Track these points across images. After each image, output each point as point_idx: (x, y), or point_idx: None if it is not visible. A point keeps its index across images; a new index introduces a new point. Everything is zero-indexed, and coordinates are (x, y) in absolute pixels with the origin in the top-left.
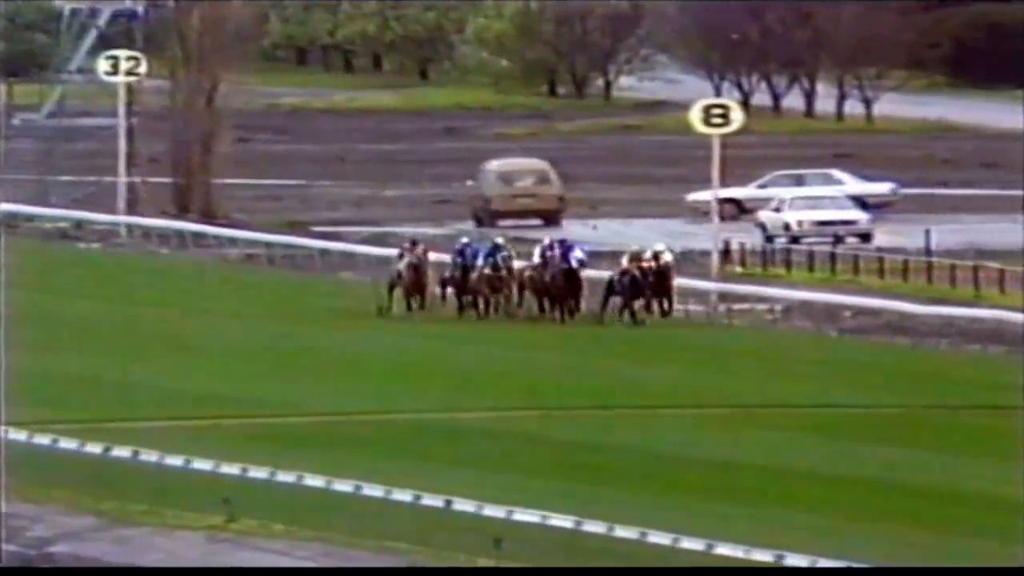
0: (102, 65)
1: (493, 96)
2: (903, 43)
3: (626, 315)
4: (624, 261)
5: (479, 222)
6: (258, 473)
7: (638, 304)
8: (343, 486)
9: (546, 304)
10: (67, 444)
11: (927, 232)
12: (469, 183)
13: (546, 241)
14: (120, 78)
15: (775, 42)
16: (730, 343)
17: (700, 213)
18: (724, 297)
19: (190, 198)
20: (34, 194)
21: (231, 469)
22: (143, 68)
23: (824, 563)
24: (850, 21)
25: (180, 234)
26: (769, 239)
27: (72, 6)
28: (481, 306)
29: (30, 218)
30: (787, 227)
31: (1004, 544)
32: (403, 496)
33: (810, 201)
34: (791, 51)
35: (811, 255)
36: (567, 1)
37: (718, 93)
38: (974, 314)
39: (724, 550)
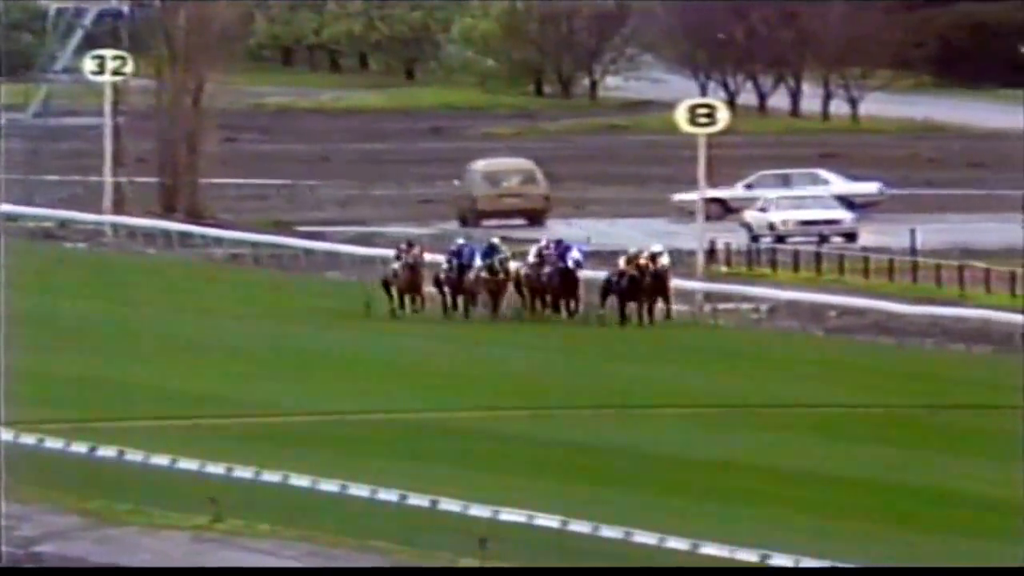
0: (88, 65)
1: (479, 96)
2: (889, 43)
3: (625, 315)
4: (621, 262)
5: (464, 222)
6: (244, 473)
7: (635, 305)
8: (329, 486)
9: (544, 304)
10: (53, 444)
11: (912, 232)
12: (455, 183)
13: (543, 241)
14: (106, 78)
15: (761, 42)
16: (716, 343)
17: (685, 213)
18: (710, 297)
19: (176, 198)
20: (20, 194)
21: (217, 469)
22: (129, 68)
23: (809, 563)
24: (836, 21)
25: (166, 234)
26: (755, 239)
27: (58, 5)
28: (478, 307)
29: (15, 218)
30: (772, 227)
31: (992, 543)
32: (389, 496)
33: (795, 201)
34: (777, 51)
35: (796, 255)
36: (553, 1)
37: (704, 93)
38: (959, 313)
39: (710, 550)
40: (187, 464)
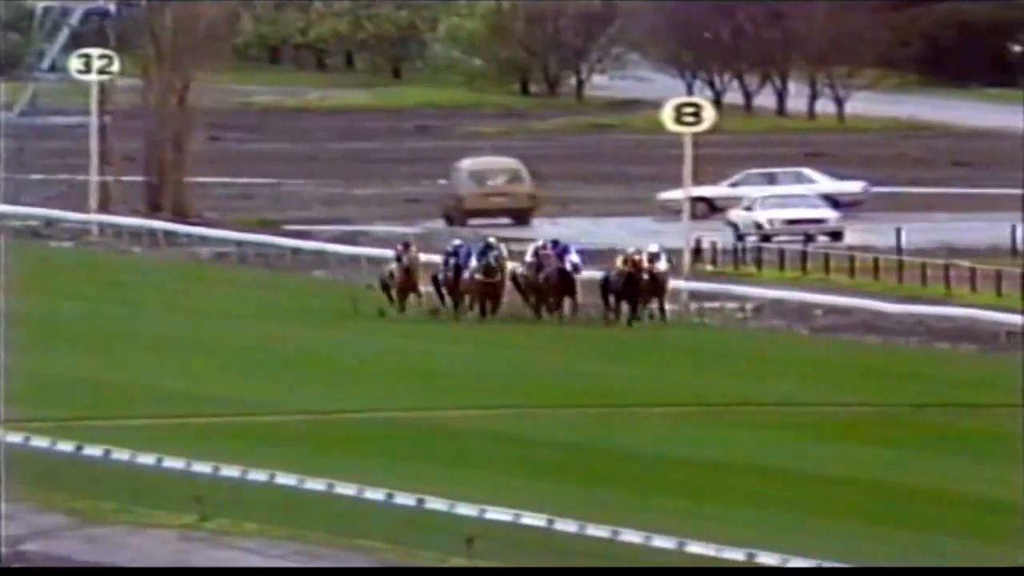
0: (74, 63)
1: (465, 95)
2: (875, 42)
3: (619, 314)
4: (618, 262)
5: (451, 221)
6: (230, 472)
7: (632, 305)
8: (315, 485)
9: (540, 304)
10: (38, 442)
11: (898, 230)
12: (441, 182)
13: (539, 241)
14: (92, 76)
15: (747, 41)
16: (701, 342)
17: (671, 211)
18: (695, 296)
19: (162, 196)
20: (6, 193)
21: (203, 468)
22: (115, 67)
23: (795, 562)
24: (822, 20)
25: (152, 233)
26: (740, 238)
27: (45, 5)
28: (476, 307)
29: (0, 216)
30: (758, 226)
31: (980, 542)
32: (375, 495)
33: (781, 200)
34: (763, 50)
35: (782, 254)
36: (539, 0)
37: (690, 92)
38: (945, 312)
39: (696, 548)
40: (173, 463)
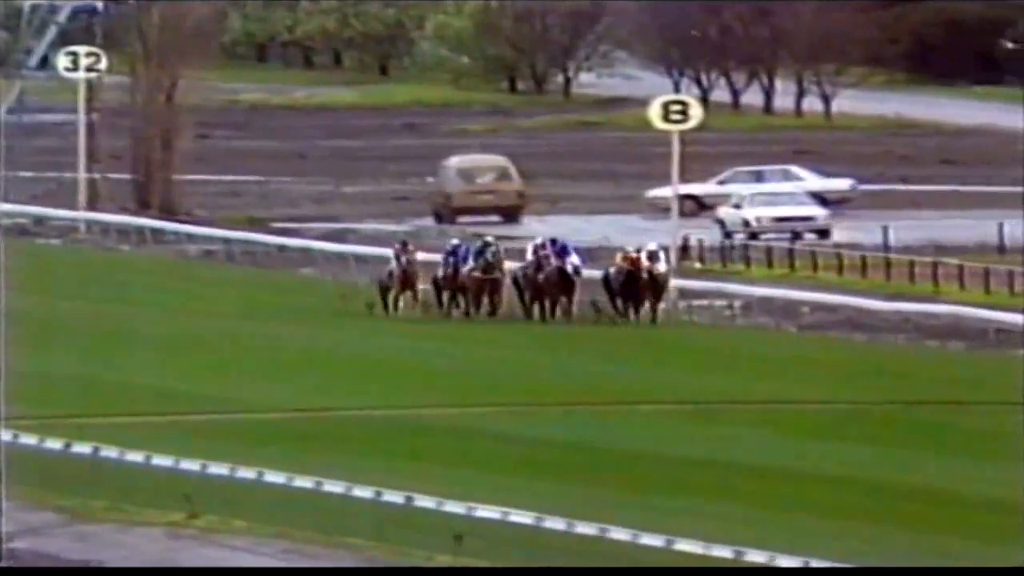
0: (62, 61)
1: (453, 93)
2: (862, 39)
3: (630, 313)
4: (618, 259)
5: (439, 218)
6: (219, 469)
7: (634, 303)
8: (304, 482)
9: (536, 303)
10: (27, 440)
11: (885, 228)
12: (429, 179)
13: (538, 240)
14: (80, 74)
15: (734, 39)
16: (689, 339)
17: (659, 209)
18: (683, 293)
19: (150, 194)
20: None
21: (192, 465)
22: (103, 64)
23: (783, 560)
24: (809, 18)
25: (140, 230)
26: (728, 235)
27: (32, 2)
28: (472, 306)
29: None
30: (746, 223)
31: (964, 540)
32: (364, 492)
33: (769, 197)
34: (750, 48)
35: (769, 251)
36: None
37: (677, 89)
38: (932, 310)
39: (684, 546)
40: (162, 461)
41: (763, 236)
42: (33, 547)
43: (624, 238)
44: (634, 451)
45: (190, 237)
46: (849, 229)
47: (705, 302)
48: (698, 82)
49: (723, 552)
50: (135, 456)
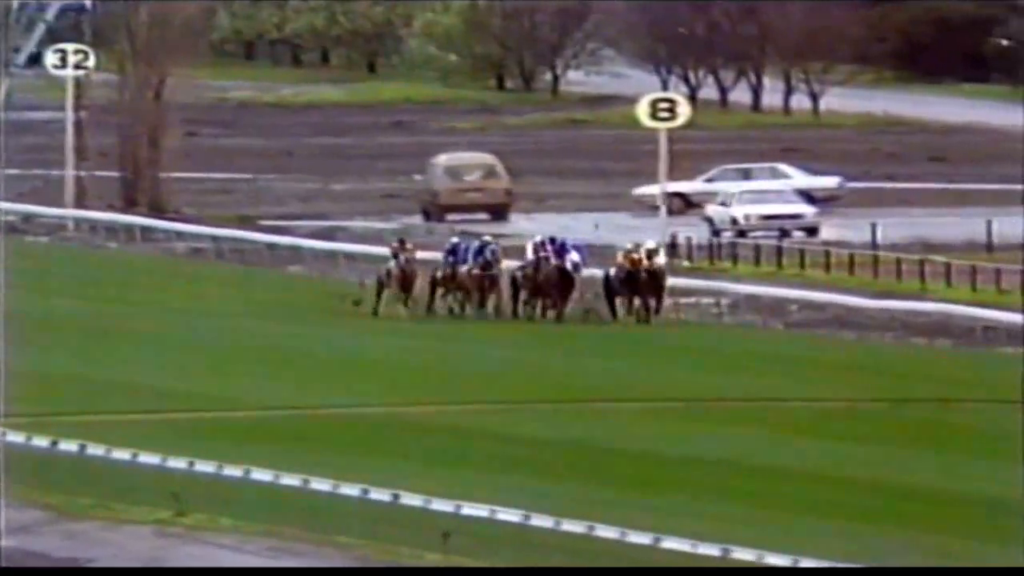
0: (50, 59)
1: (441, 90)
2: (850, 37)
3: (633, 312)
4: (619, 257)
5: (427, 216)
6: (206, 467)
7: (624, 302)
8: (291, 480)
9: (538, 303)
10: (14, 438)
11: (873, 226)
12: (417, 177)
13: (538, 238)
14: (68, 72)
15: (722, 36)
16: (677, 337)
17: (647, 207)
18: (671, 291)
19: (138, 192)
20: None
21: (178, 463)
22: (91, 62)
23: (771, 558)
24: (797, 16)
25: (128, 228)
26: (716, 233)
27: (20, 0)
28: (471, 305)
29: None
30: (734, 221)
31: (951, 538)
32: (351, 490)
33: (757, 195)
34: (738, 45)
35: (757, 249)
36: None
37: (665, 87)
38: (920, 308)
39: (671, 544)
40: (149, 458)
41: (751, 234)
42: (22, 545)
43: (613, 236)
44: (621, 449)
45: (178, 235)
46: (837, 227)
47: (692, 300)
48: (686, 80)
49: (710, 550)
50: (122, 454)
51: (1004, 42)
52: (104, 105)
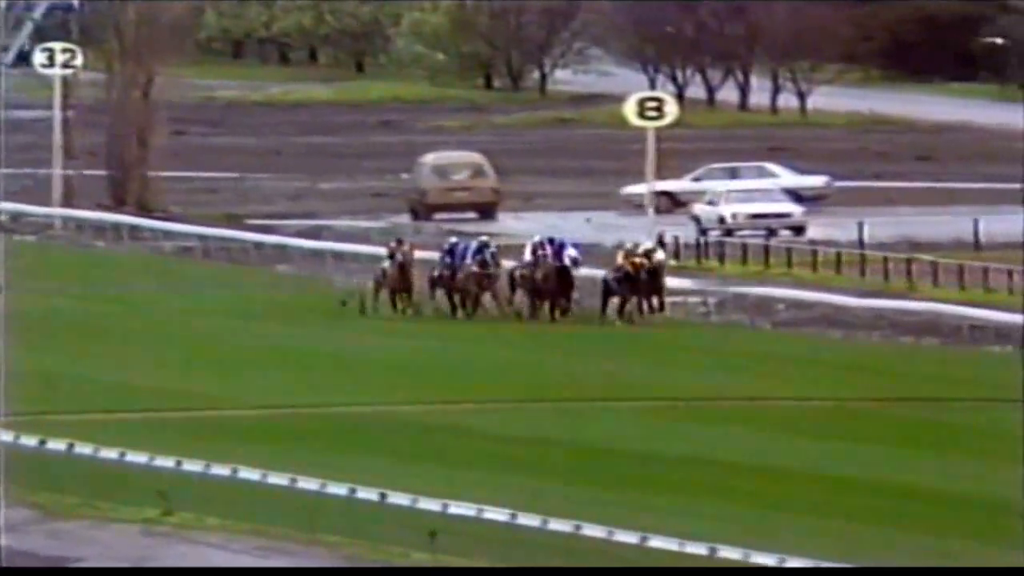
0: (38, 57)
1: (429, 89)
2: (837, 36)
3: (625, 314)
4: (619, 257)
5: (415, 215)
6: (193, 466)
7: (630, 302)
8: (278, 479)
9: (538, 303)
10: (2, 436)
11: (860, 225)
12: (404, 176)
13: (536, 238)
14: (56, 70)
15: (709, 35)
16: (664, 337)
17: (634, 206)
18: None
19: (126, 191)
20: None
21: (166, 462)
22: (79, 61)
23: (758, 557)
24: (784, 15)
25: (116, 227)
26: (703, 232)
27: None
28: (470, 305)
29: None
30: (721, 220)
31: (939, 538)
32: (338, 489)
33: (744, 194)
34: (725, 44)
35: (744, 248)
36: None
37: (652, 86)
38: (907, 307)
39: (658, 543)
40: (136, 457)
41: (738, 233)
42: (10, 544)
43: (600, 235)
44: (608, 448)
45: (166, 234)
46: (824, 226)
47: (679, 299)
48: (673, 79)
49: (698, 549)
50: (109, 453)
51: (992, 41)
52: (92, 104)
